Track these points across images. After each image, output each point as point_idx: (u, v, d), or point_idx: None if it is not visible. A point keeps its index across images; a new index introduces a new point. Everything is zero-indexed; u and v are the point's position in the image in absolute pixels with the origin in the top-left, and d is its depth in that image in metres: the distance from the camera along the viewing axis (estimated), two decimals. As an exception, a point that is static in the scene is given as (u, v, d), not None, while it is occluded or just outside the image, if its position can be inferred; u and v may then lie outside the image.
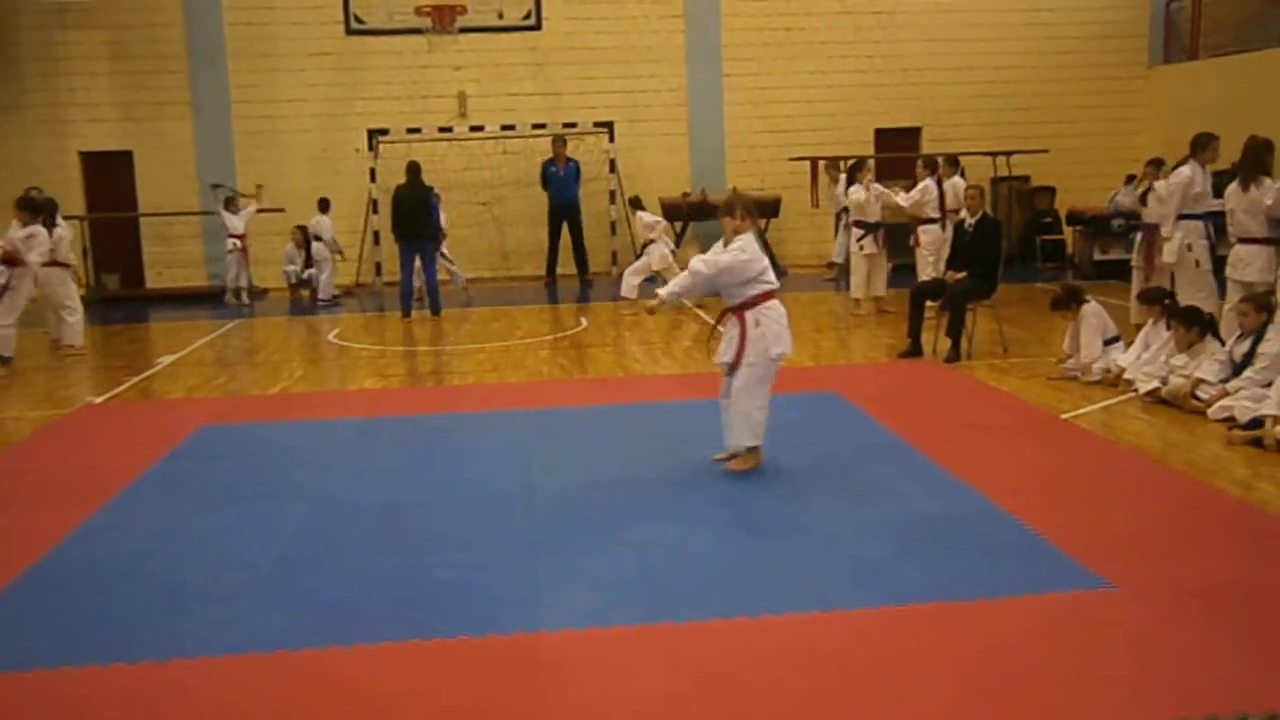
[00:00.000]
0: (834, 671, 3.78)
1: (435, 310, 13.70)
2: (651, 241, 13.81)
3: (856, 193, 12.74)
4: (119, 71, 17.09)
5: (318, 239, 16.02)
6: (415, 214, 13.45)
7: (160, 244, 17.38)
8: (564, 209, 16.84)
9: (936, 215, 12.23)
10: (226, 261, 15.77)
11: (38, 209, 11.25)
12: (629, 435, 7.34)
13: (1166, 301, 8.31)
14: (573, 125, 17.08)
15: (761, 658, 3.90)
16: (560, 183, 16.77)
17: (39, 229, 11.09)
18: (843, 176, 14.69)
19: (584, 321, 12.82)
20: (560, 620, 4.27)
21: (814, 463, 6.49)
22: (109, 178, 17.08)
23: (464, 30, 16.25)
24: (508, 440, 7.22)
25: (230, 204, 15.70)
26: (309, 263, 16.19)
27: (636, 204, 14.91)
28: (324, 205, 16.11)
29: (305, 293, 16.20)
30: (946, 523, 5.32)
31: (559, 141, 16.74)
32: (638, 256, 13.98)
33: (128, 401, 9.13)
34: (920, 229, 12.39)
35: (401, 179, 13.69)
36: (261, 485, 6.34)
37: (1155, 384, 7.74)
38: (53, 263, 11.46)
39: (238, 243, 15.58)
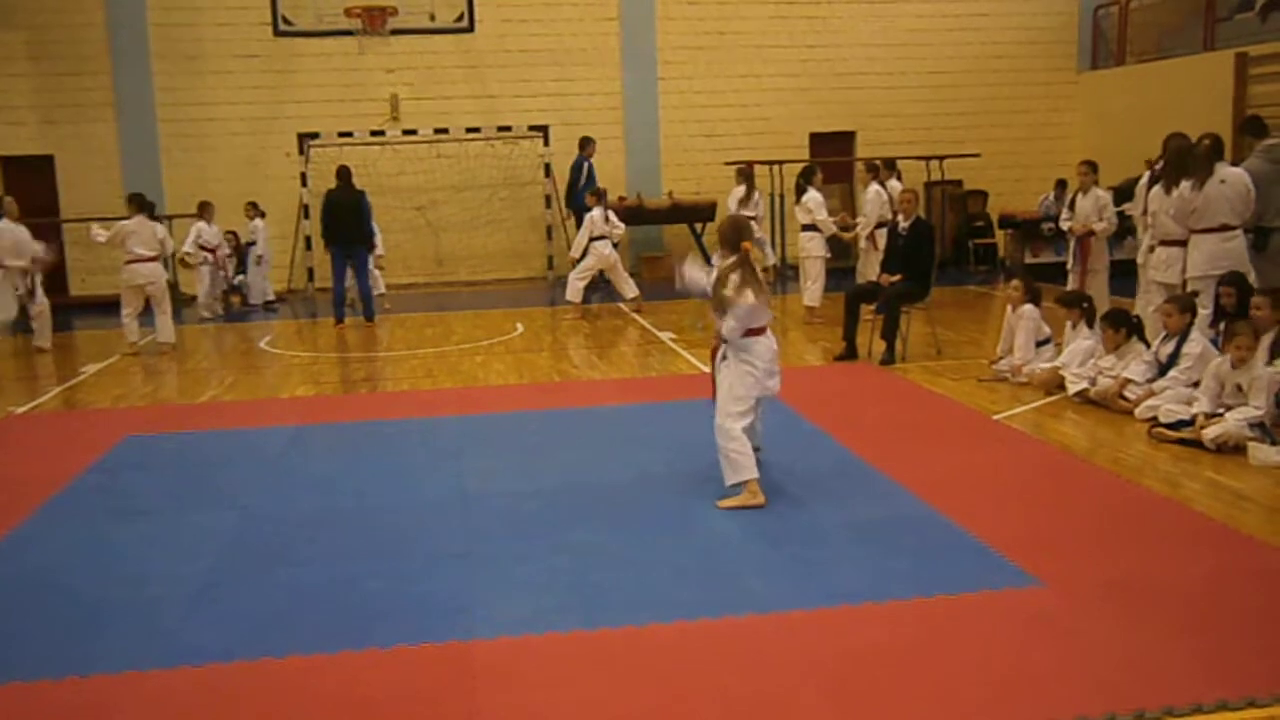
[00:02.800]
0: (771, 672, 3.78)
1: (369, 316, 13.55)
2: (601, 238, 13.29)
3: (813, 198, 12.61)
4: (39, 73, 16.70)
5: (251, 244, 15.76)
6: (348, 219, 13.26)
7: (84, 250, 16.96)
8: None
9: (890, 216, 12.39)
10: (200, 273, 15.08)
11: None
12: (565, 441, 7.30)
13: (1084, 305, 8.46)
14: (507, 129, 17.01)
15: (699, 661, 3.89)
16: None
17: None
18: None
19: (520, 327, 12.76)
20: (495, 628, 4.23)
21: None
22: (30, 183, 16.66)
23: (395, 32, 16.15)
24: (442, 447, 7.15)
25: (205, 211, 15.09)
26: (241, 269, 15.92)
27: (602, 197, 13.83)
28: (258, 210, 15.82)
29: (236, 299, 15.94)
30: (881, 524, 5.36)
31: None
32: (579, 260, 13.59)
33: (51, 412, 8.91)
34: (877, 232, 12.43)
35: (333, 183, 13.50)
36: (190, 496, 6.21)
37: (1084, 385, 7.87)
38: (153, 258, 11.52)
39: (209, 256, 14.98)
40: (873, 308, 9.93)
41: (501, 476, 6.40)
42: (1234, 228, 8.07)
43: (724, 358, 5.97)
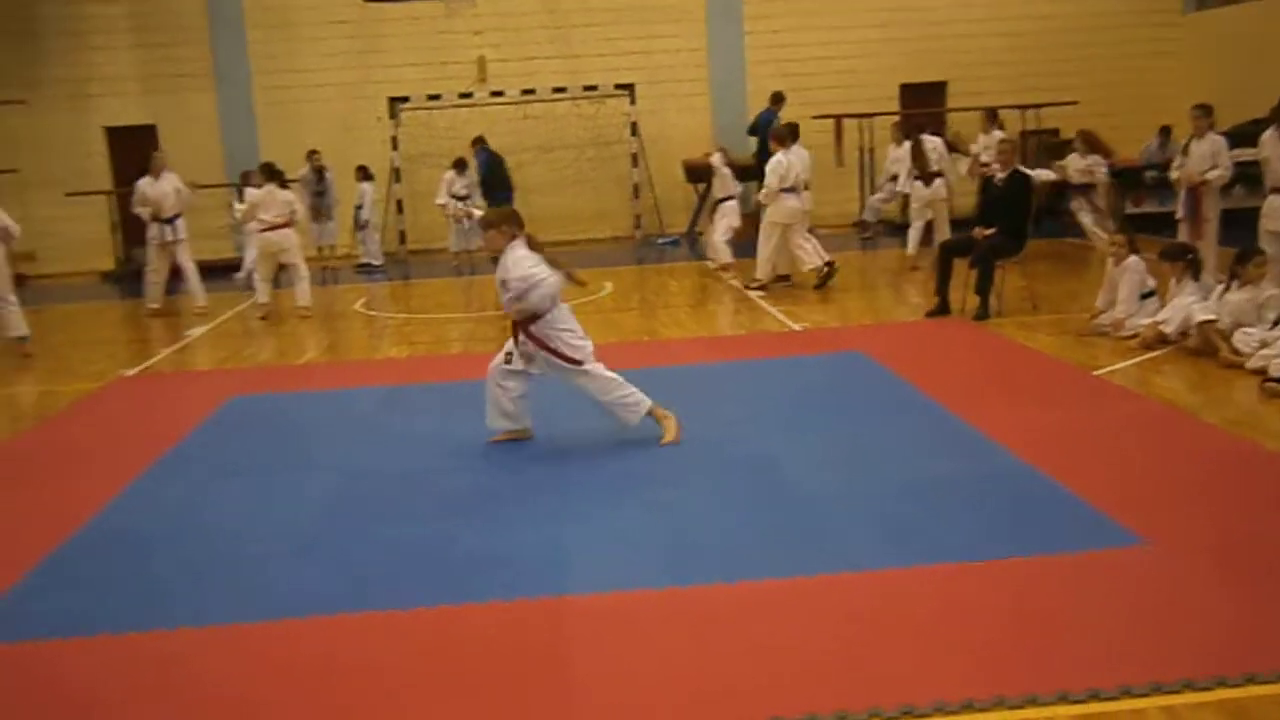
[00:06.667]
0: (863, 631, 3.77)
1: None
2: (730, 199, 12.97)
3: (934, 144, 12.59)
4: (141, 45, 17.12)
5: (358, 208, 16.01)
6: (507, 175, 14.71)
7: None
8: None
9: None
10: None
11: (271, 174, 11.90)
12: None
13: (1189, 257, 8.22)
14: (593, 88, 16.97)
15: (790, 619, 3.89)
16: None
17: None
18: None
19: (608, 286, 12.79)
20: (587, 584, 4.28)
21: (840, 424, 6.46)
22: (134, 152, 17.07)
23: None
24: (533, 407, 7.22)
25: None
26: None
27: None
28: (365, 173, 16.06)
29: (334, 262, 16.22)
30: (976, 481, 5.29)
31: None
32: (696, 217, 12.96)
33: (159, 374, 9.19)
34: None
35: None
36: (290, 455, 6.37)
37: (1183, 331, 7.71)
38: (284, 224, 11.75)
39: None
40: (967, 261, 9.76)
41: (593, 435, 6.44)
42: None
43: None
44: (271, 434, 6.93)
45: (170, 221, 12.17)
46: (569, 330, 6.16)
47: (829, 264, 11.45)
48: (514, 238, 6.14)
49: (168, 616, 4.16)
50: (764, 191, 11.53)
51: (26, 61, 16.86)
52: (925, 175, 12.85)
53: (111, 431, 7.25)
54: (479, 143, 15.81)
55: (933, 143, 12.95)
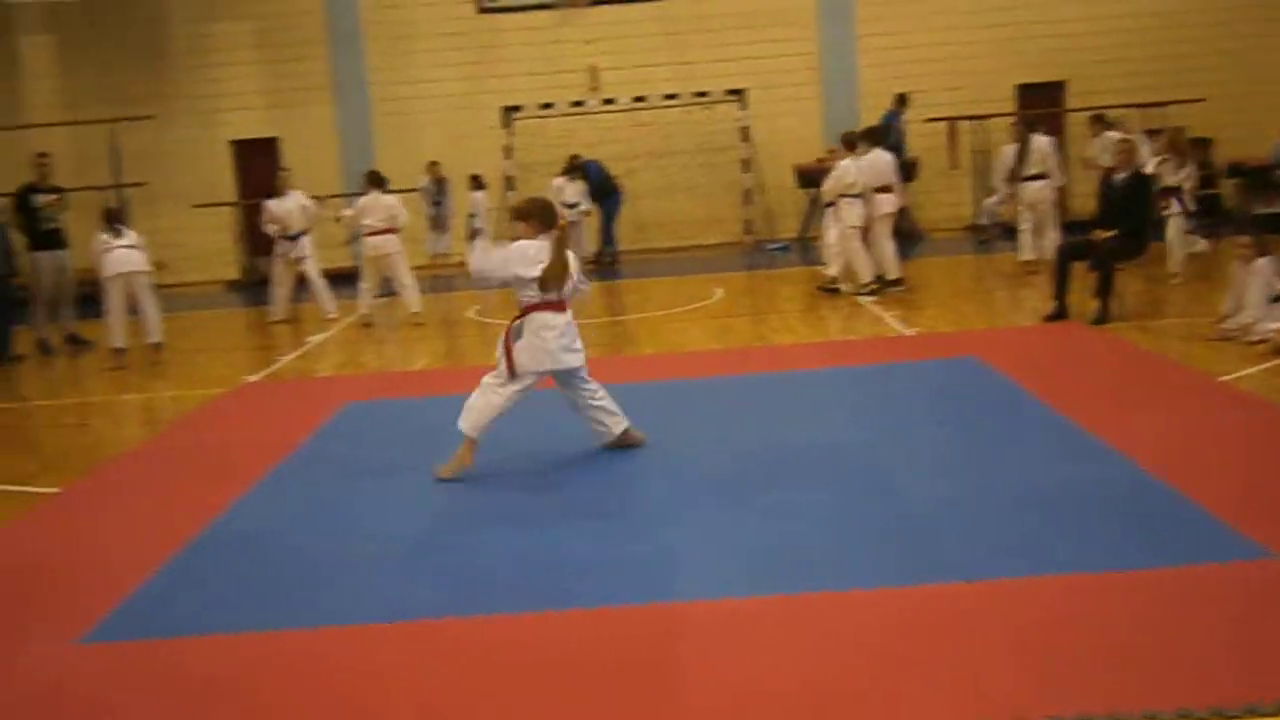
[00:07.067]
0: (976, 642, 3.69)
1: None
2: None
3: (1042, 144, 12.33)
4: (264, 60, 17.71)
5: (472, 215, 16.31)
6: None
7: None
8: None
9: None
10: None
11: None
12: (765, 405, 7.29)
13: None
14: (704, 94, 16.98)
15: (900, 628, 3.83)
16: None
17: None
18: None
19: (719, 292, 12.78)
20: (698, 590, 4.27)
21: (954, 430, 6.35)
22: (258, 164, 17.68)
23: (595, 2, 16.32)
24: (644, 412, 7.24)
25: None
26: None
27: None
28: (478, 182, 16.36)
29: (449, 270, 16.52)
30: (1095, 490, 5.14)
31: None
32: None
33: (281, 380, 9.47)
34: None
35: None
36: (405, 459, 6.49)
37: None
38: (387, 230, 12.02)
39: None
40: (1085, 264, 9.51)
41: (702, 440, 6.45)
42: None
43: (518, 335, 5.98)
44: (387, 439, 7.08)
45: (296, 238, 12.50)
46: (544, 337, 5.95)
47: (878, 281, 11.56)
48: (543, 232, 5.99)
49: (286, 617, 4.28)
50: (824, 192, 11.74)
51: (156, 79, 17.57)
52: (1030, 176, 12.53)
53: (236, 436, 7.49)
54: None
55: (1038, 143, 12.62)
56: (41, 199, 11.72)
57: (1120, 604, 3.92)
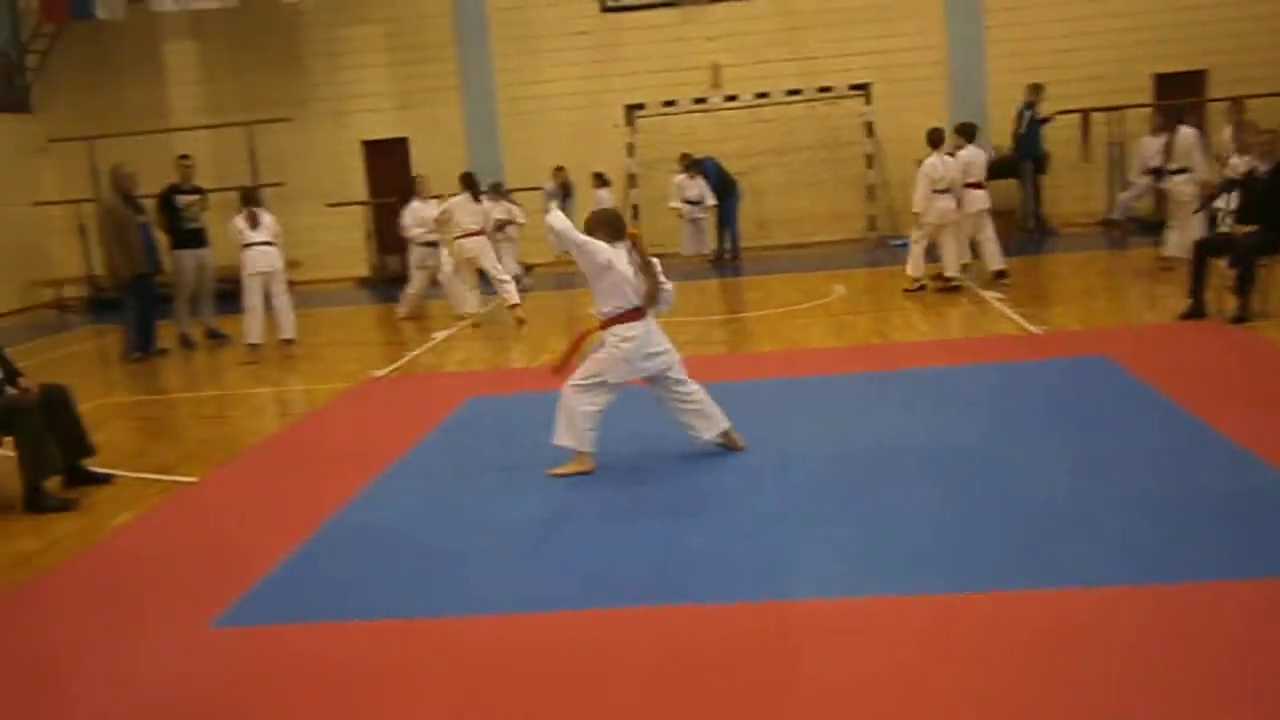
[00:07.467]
0: (1089, 652, 3.59)
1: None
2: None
3: (1186, 136, 11.96)
4: (394, 62, 18.15)
5: None
6: None
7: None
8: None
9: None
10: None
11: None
12: (885, 403, 7.20)
13: None
14: (828, 90, 16.83)
15: (1014, 633, 3.76)
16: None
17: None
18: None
19: (840, 289, 12.65)
20: (812, 589, 4.26)
21: (1078, 431, 6.18)
22: (388, 163, 18.15)
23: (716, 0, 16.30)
24: (762, 410, 7.24)
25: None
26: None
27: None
28: (601, 180, 16.49)
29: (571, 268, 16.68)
30: (1224, 495, 4.95)
31: None
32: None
33: (406, 375, 9.71)
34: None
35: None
36: (524, 454, 6.58)
37: None
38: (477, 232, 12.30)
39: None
40: (1225, 261, 9.15)
41: (821, 438, 6.41)
42: None
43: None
44: (507, 433, 7.20)
45: (435, 245, 12.69)
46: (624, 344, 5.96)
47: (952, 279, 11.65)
48: (613, 242, 5.94)
49: (408, 606, 4.41)
50: (915, 198, 11.79)
51: (292, 82, 18.15)
52: (1174, 170, 12.12)
53: (362, 429, 7.71)
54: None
55: (1183, 135, 12.18)
56: (184, 199, 12.23)
57: (1241, 615, 3.77)
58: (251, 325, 10.90)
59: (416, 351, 10.81)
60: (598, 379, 6.00)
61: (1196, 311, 9.08)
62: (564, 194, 16.40)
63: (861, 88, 16.75)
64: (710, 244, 16.56)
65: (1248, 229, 8.96)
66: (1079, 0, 16.86)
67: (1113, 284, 11.77)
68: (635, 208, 17.08)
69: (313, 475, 6.52)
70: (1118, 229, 15.23)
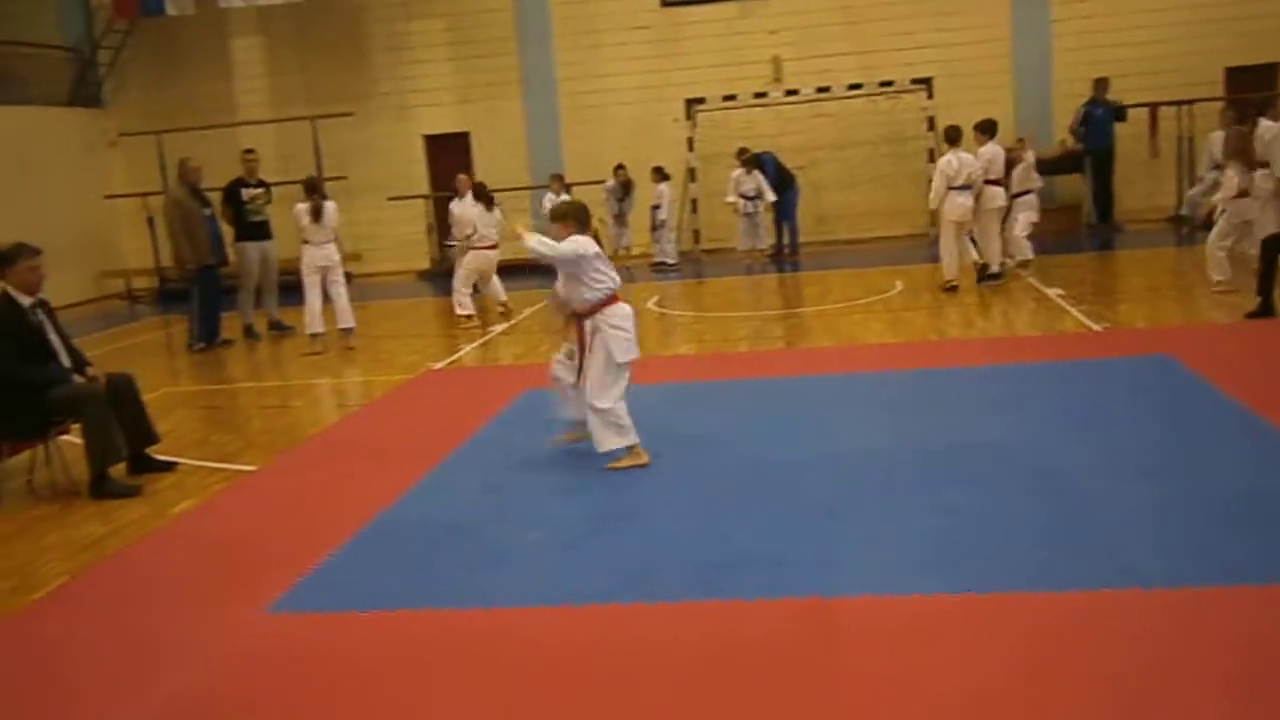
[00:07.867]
0: (1149, 655, 3.55)
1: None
2: (1028, 192, 12.70)
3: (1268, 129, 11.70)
4: (456, 57, 18.27)
5: (655, 208, 16.45)
6: None
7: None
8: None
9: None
10: None
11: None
12: (939, 400, 7.15)
13: None
14: (889, 84, 16.68)
15: (1069, 635, 3.72)
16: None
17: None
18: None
19: (899, 285, 12.55)
20: (858, 586, 4.25)
21: (1140, 431, 6.09)
22: (449, 157, 18.29)
23: (778, -7, 16.24)
24: (816, 405, 7.22)
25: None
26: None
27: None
28: (661, 174, 16.51)
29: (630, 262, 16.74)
30: (1290, 499, 4.86)
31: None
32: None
33: (463, 368, 9.80)
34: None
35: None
36: (578, 448, 6.63)
37: None
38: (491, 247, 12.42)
39: None
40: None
41: (873, 435, 6.38)
42: None
43: (593, 331, 6.04)
44: (559, 428, 7.23)
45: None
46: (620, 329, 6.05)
47: (989, 270, 11.73)
48: (579, 232, 6.06)
49: (458, 596, 4.47)
50: (931, 195, 11.95)
51: (355, 77, 18.36)
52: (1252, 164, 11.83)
53: (418, 421, 7.81)
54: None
55: (1260, 129, 11.88)
56: (249, 193, 12.42)
57: (1309, 619, 3.70)
58: (312, 317, 11.08)
59: (474, 344, 10.90)
60: (612, 369, 6.05)
61: (1265, 310, 8.90)
62: (624, 192, 16.44)
63: (924, 81, 16.56)
64: (766, 239, 16.49)
65: (1319, 226, 8.75)
66: (1149, -10, 16.55)
67: (1180, 282, 11.55)
68: (694, 201, 17.07)
69: (369, 467, 6.60)
70: (1186, 225, 14.93)
